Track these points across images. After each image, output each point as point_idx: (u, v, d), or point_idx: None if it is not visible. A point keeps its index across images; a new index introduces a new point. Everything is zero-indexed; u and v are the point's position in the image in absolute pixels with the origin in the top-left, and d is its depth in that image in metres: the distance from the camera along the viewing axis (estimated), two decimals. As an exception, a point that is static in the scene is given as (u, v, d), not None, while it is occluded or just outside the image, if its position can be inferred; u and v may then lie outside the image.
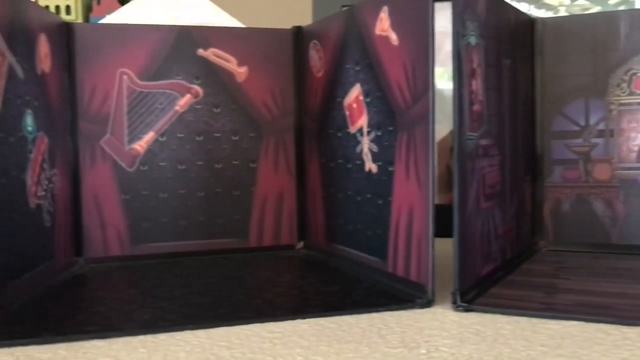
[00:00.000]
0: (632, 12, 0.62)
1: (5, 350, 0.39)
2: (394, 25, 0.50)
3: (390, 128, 0.51)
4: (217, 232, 0.66)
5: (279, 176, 0.68)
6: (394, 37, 0.50)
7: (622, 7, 0.78)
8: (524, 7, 0.81)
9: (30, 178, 0.51)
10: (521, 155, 0.61)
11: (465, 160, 0.47)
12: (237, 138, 0.66)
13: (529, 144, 0.64)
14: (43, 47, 0.55)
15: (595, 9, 0.79)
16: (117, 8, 1.15)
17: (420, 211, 0.47)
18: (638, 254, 0.61)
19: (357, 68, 0.56)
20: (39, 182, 0.54)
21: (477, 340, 0.39)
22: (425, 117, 0.46)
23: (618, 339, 0.39)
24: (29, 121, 0.52)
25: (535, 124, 0.65)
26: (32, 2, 0.55)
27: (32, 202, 0.52)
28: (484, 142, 0.51)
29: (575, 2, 0.80)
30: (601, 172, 0.64)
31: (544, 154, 0.65)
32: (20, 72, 0.50)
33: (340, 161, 0.60)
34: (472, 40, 0.48)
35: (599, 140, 0.63)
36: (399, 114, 0.50)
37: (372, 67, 0.54)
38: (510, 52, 0.57)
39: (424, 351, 0.37)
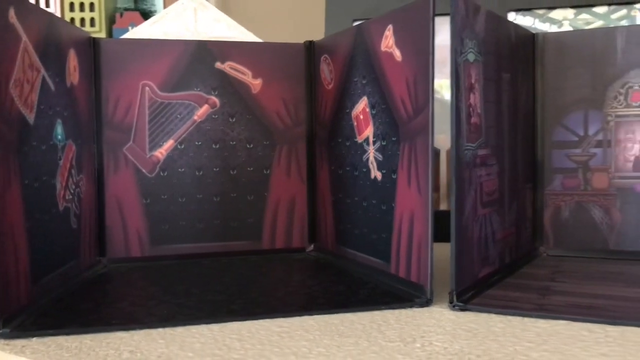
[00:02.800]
0: (629, 28, 0.65)
1: (37, 340, 0.43)
2: (398, 43, 0.53)
3: (394, 138, 0.55)
4: (232, 235, 0.70)
5: (291, 182, 0.71)
6: (397, 54, 0.53)
7: (624, 22, 0.81)
8: (529, 21, 0.84)
9: (59, 183, 0.56)
10: (521, 164, 0.64)
11: (462, 169, 0.50)
12: (251, 146, 0.70)
13: (530, 153, 0.67)
14: (72, 61, 0.60)
15: (598, 23, 0.82)
16: (138, 20, 1.20)
17: (421, 216, 0.51)
18: (633, 260, 0.64)
19: (364, 81, 0.59)
20: (67, 186, 0.58)
21: (469, 336, 0.42)
22: (425, 129, 0.49)
23: (600, 337, 0.42)
24: (59, 130, 0.56)
25: (536, 134, 0.68)
26: (62, 19, 0.59)
27: (61, 205, 0.56)
28: (481, 152, 0.54)
29: (579, 16, 0.83)
30: (599, 181, 0.66)
31: (545, 162, 0.68)
32: (52, 85, 0.54)
33: (348, 168, 0.63)
34: (471, 57, 0.51)
35: (597, 150, 0.66)
36: (402, 125, 0.53)
37: (377, 81, 0.57)
38: (510, 67, 0.60)
39: (418, 345, 0.41)
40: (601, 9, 0.82)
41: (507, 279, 0.57)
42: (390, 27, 0.54)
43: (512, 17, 0.84)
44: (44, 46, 0.53)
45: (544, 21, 0.84)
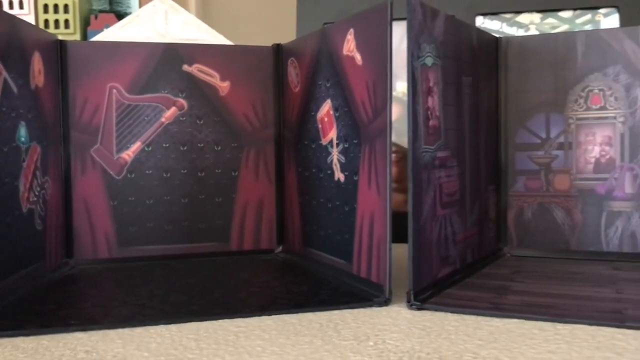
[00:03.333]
0: (588, 33, 0.66)
1: (-5, 340, 0.43)
2: (359, 47, 0.54)
3: (355, 141, 0.55)
4: (200, 237, 0.70)
5: (259, 184, 0.72)
6: (358, 58, 0.54)
7: (588, 26, 0.83)
8: (496, 25, 0.85)
9: (23, 185, 0.56)
10: (484, 166, 0.65)
11: (420, 171, 0.51)
12: (219, 148, 0.71)
13: (494, 155, 0.68)
14: (37, 63, 0.60)
15: (564, 27, 0.83)
16: (113, 22, 1.20)
17: (380, 217, 0.51)
18: (593, 259, 0.65)
19: (328, 84, 0.60)
20: (32, 188, 0.58)
21: (422, 334, 0.43)
22: (384, 132, 0.50)
23: (550, 335, 0.43)
24: (22, 132, 0.56)
25: (500, 136, 0.69)
26: (27, 22, 0.59)
27: (25, 207, 0.56)
28: (441, 154, 0.55)
29: (545, 21, 0.84)
30: (561, 183, 0.67)
31: (508, 164, 0.69)
32: (14, 88, 0.55)
33: (314, 170, 0.64)
34: (429, 60, 0.52)
35: (559, 153, 0.67)
36: (363, 127, 0.54)
37: (340, 84, 0.58)
38: (471, 70, 0.61)
39: (371, 343, 0.41)
40: (566, 14, 0.84)
41: (468, 278, 0.58)
42: (351, 31, 0.55)
43: (479, 21, 0.85)
44: (5, 49, 0.53)
45: (511, 25, 0.85)
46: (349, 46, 0.56)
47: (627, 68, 0.64)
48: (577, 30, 0.78)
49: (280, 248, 0.73)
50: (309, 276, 0.61)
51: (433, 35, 0.53)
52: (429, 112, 0.53)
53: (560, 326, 0.44)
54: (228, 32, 0.94)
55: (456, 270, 0.58)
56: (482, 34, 0.65)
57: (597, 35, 0.66)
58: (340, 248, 0.59)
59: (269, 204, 0.72)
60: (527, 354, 0.39)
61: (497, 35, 0.69)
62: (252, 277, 0.61)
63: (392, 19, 0.49)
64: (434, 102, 0.53)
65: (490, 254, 0.67)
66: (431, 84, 0.53)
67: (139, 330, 0.45)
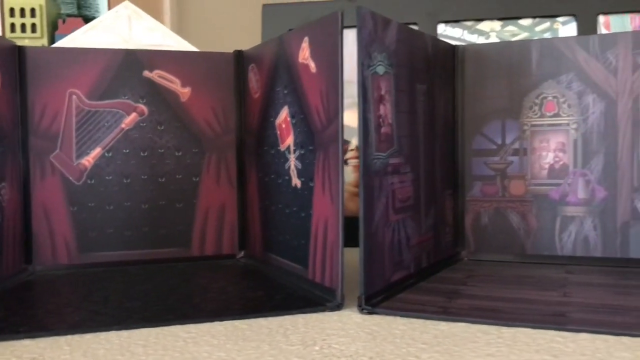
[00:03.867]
0: (543, 42, 0.68)
1: (-58, 348, 0.43)
2: (313, 55, 0.55)
3: (311, 147, 0.56)
4: (161, 242, 0.71)
5: (220, 190, 0.72)
6: (312, 65, 0.55)
7: (547, 34, 0.84)
8: (457, 32, 0.86)
9: (-23, 191, 0.56)
10: (440, 172, 0.66)
11: (371, 177, 0.52)
12: (180, 154, 0.71)
13: (450, 161, 0.69)
14: (-7, 69, 0.60)
15: (523, 34, 0.85)
16: (81, 26, 1.19)
17: (333, 223, 0.52)
18: (548, 263, 0.67)
19: (286, 91, 0.61)
20: (-13, 194, 0.58)
21: (368, 338, 0.44)
22: (336, 139, 0.51)
23: (492, 338, 0.44)
24: (-24, 138, 0.56)
25: (457, 142, 0.70)
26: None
27: (-21, 213, 0.56)
28: (394, 160, 0.56)
29: (505, 28, 0.86)
30: (516, 188, 0.69)
31: (465, 170, 0.70)
32: (-32, 94, 0.54)
33: (273, 176, 0.65)
34: (380, 69, 0.53)
35: (514, 158, 0.69)
36: (317, 134, 0.55)
37: (296, 92, 0.58)
38: (426, 78, 0.63)
39: (317, 348, 0.42)
40: (526, 22, 0.85)
41: (423, 282, 0.59)
42: (306, 39, 0.56)
43: (441, 28, 0.87)
44: (-41, 55, 0.53)
45: (472, 32, 0.86)
46: (304, 54, 0.56)
47: (579, 76, 0.66)
48: (533, 38, 0.80)
49: (242, 253, 0.73)
50: (267, 281, 0.61)
51: (385, 44, 0.54)
52: (381, 120, 0.53)
53: (504, 329, 0.45)
54: (204, 40, 0.94)
55: (410, 275, 0.59)
56: (438, 42, 0.66)
57: (551, 44, 0.67)
58: (297, 253, 0.59)
59: (230, 209, 0.73)
60: (466, 357, 0.40)
61: (455, 43, 0.71)
62: (210, 282, 0.61)
63: (343, 28, 0.50)
64: (386, 109, 0.54)
65: (447, 258, 0.68)
66: (383, 92, 0.54)
67: (88, 336, 0.45)
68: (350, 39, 0.53)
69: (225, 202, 0.73)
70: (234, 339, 0.44)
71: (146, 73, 0.69)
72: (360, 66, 0.50)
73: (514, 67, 0.68)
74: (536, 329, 0.45)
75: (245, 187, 0.73)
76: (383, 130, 0.54)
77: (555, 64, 0.67)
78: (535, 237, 0.68)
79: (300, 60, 0.57)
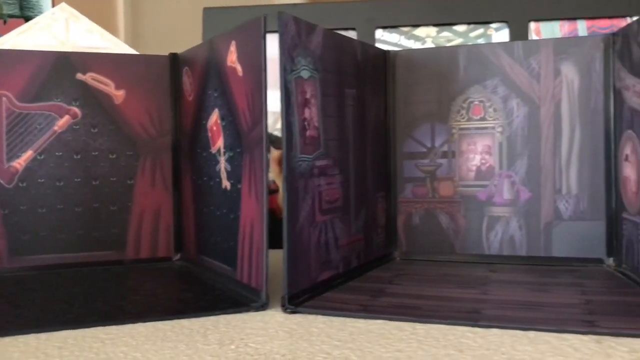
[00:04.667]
0: (469, 48, 0.70)
1: None
2: (239, 59, 0.56)
3: (239, 150, 0.57)
4: (95, 245, 0.70)
5: (155, 192, 0.73)
6: (239, 69, 0.56)
7: (481, 40, 0.87)
8: (395, 38, 0.88)
9: None
10: (371, 174, 0.68)
11: (295, 179, 0.53)
12: (114, 156, 0.71)
13: (382, 163, 0.71)
14: None
15: (458, 40, 0.88)
16: (23, 27, 1.17)
17: (258, 224, 0.53)
18: (476, 262, 0.69)
19: (216, 94, 0.62)
20: None
21: (285, 337, 0.45)
22: (261, 141, 0.52)
23: (406, 334, 0.45)
24: None
25: (389, 145, 0.72)
26: None
27: None
28: (320, 163, 0.57)
29: (441, 34, 0.88)
30: (445, 189, 0.71)
31: (397, 172, 0.72)
32: None
33: (205, 178, 0.65)
34: (305, 74, 0.54)
35: (443, 161, 0.71)
36: (244, 137, 0.56)
37: (225, 94, 0.59)
38: (355, 83, 0.64)
39: (233, 347, 0.43)
40: (461, 28, 0.88)
41: (351, 282, 0.61)
42: (233, 42, 0.57)
43: (379, 33, 0.88)
44: None
45: (408, 38, 0.88)
46: (232, 57, 0.57)
47: (504, 81, 0.68)
48: (467, 44, 0.83)
49: (179, 256, 0.74)
50: (197, 283, 0.62)
51: (310, 49, 0.55)
52: (306, 123, 0.55)
53: (419, 326, 0.47)
54: (158, 43, 0.94)
55: (339, 274, 0.60)
56: (368, 47, 0.68)
57: (477, 50, 0.69)
58: (227, 255, 0.60)
59: (166, 211, 0.73)
60: (376, 353, 0.41)
61: (392, 49, 0.72)
62: (141, 285, 0.62)
63: (266, 33, 0.51)
64: (311, 113, 0.55)
65: (379, 258, 0.70)
66: (308, 96, 0.55)
67: (7, 339, 0.45)
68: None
69: (161, 205, 0.73)
70: (153, 340, 0.44)
71: (79, 75, 0.69)
72: (283, 70, 0.51)
73: (442, 73, 0.70)
74: (449, 326, 0.47)
75: (180, 189, 0.73)
76: (308, 133, 0.55)
77: (481, 70, 0.69)
78: (464, 236, 0.70)
79: (229, 63, 0.58)
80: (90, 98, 0.70)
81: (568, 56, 0.66)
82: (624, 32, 0.61)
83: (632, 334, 0.43)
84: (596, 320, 0.46)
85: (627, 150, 0.60)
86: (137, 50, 0.82)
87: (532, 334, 0.45)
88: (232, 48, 0.57)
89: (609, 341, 0.43)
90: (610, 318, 0.47)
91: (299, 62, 0.54)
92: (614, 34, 0.64)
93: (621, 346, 0.42)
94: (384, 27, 0.89)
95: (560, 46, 0.66)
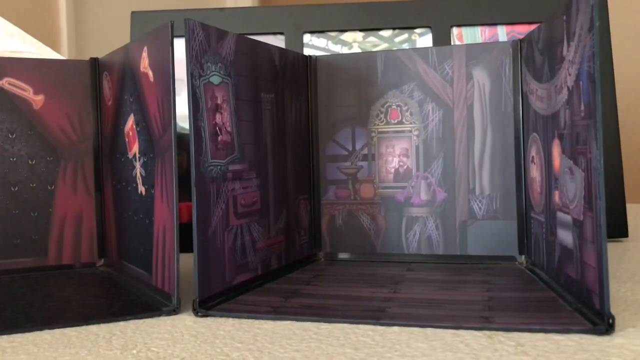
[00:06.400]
0: (387, 53, 0.72)
1: None
2: (151, 64, 0.56)
3: (151, 155, 0.57)
4: (15, 252, 0.70)
5: (77, 198, 0.72)
6: (150, 74, 0.56)
7: (405, 45, 0.89)
8: (322, 42, 0.90)
9: None
10: (293, 177, 0.69)
11: (205, 184, 0.53)
12: (34, 162, 0.70)
13: (305, 166, 0.72)
14: None
15: (383, 45, 0.90)
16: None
17: (169, 229, 0.54)
18: (395, 262, 0.71)
19: (131, 99, 0.62)
20: None
21: (190, 340, 0.45)
22: (170, 147, 0.52)
23: (309, 334, 0.46)
24: None
25: (312, 149, 0.73)
26: None
27: None
28: (234, 167, 0.58)
29: (367, 39, 0.90)
30: (366, 191, 0.73)
31: (320, 175, 0.74)
32: None
33: (123, 183, 0.65)
34: (215, 79, 0.55)
35: (364, 164, 0.73)
36: (156, 142, 0.56)
37: (139, 100, 0.59)
38: (273, 87, 0.65)
39: (134, 352, 0.43)
40: (386, 33, 0.90)
41: (270, 284, 0.62)
42: (145, 48, 0.57)
43: (307, 38, 0.90)
44: None
45: (336, 43, 0.90)
46: (144, 63, 0.57)
47: (419, 86, 0.71)
48: (392, 49, 0.84)
49: (102, 261, 0.73)
50: (115, 289, 0.62)
51: (220, 55, 0.56)
52: (218, 128, 0.55)
53: (323, 326, 0.48)
54: (101, 43, 0.93)
55: (257, 277, 0.61)
56: (287, 52, 0.69)
57: (394, 55, 0.71)
58: (144, 260, 0.60)
59: (88, 217, 0.73)
60: (274, 354, 0.42)
61: (319, 53, 0.74)
62: (57, 291, 0.61)
63: (174, 38, 0.52)
64: (223, 118, 0.56)
65: (303, 259, 0.71)
66: (219, 101, 0.56)
67: None
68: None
69: (83, 210, 0.72)
70: (56, 347, 0.44)
71: (-5, 80, 0.68)
72: (190, 76, 0.52)
73: (361, 77, 0.72)
74: (353, 324, 0.48)
75: (102, 194, 0.73)
76: (220, 138, 0.56)
77: (398, 75, 0.71)
78: (384, 236, 0.72)
79: (142, 69, 0.58)
80: (7, 103, 0.69)
81: (478, 61, 0.69)
82: (529, 38, 0.64)
83: (521, 329, 0.45)
84: (492, 316, 0.48)
85: (533, 152, 0.63)
86: (79, 53, 0.81)
87: (429, 331, 0.46)
88: (144, 54, 0.57)
89: (500, 336, 0.45)
90: (505, 314, 0.49)
91: (209, 68, 0.54)
92: (521, 40, 0.67)
93: (509, 340, 0.44)
94: (312, 32, 0.90)
95: (472, 52, 0.69)
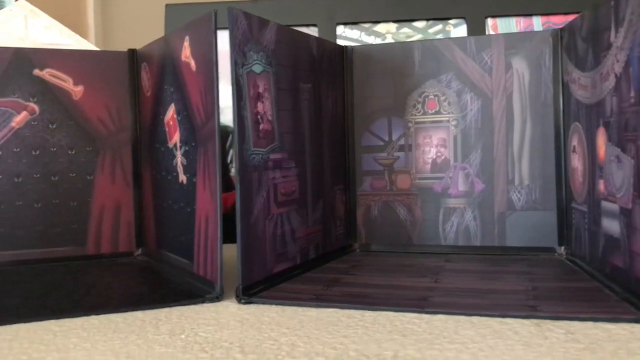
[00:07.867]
0: (424, 43, 0.71)
1: None
2: (193, 54, 0.57)
3: (193, 144, 0.58)
4: (55, 241, 0.70)
5: (116, 188, 0.73)
6: (193, 64, 0.57)
7: (439, 35, 0.88)
8: (356, 34, 0.90)
9: None
10: (329, 168, 0.69)
11: (248, 172, 0.54)
12: (73, 152, 0.71)
13: (341, 157, 0.72)
14: None
15: (418, 36, 0.89)
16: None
17: (212, 217, 0.54)
18: (432, 253, 0.70)
19: (172, 89, 0.62)
20: None
21: (236, 326, 0.46)
22: (213, 135, 0.53)
23: (354, 321, 0.46)
24: None
25: (347, 139, 0.73)
26: None
27: None
28: (275, 156, 0.58)
29: (401, 30, 0.90)
30: (403, 182, 0.72)
31: (356, 166, 0.73)
32: None
33: (163, 173, 0.66)
34: (257, 68, 0.55)
35: (400, 154, 0.72)
36: (198, 131, 0.56)
37: (180, 89, 0.60)
38: (310, 78, 0.65)
39: (183, 336, 0.44)
40: (420, 24, 0.89)
41: (309, 273, 0.62)
42: (187, 37, 0.57)
43: (340, 30, 0.90)
44: None
45: (369, 34, 0.90)
46: (186, 52, 0.58)
47: (457, 75, 0.70)
48: (414, 40, 0.84)
49: (140, 251, 0.74)
50: (155, 277, 0.62)
51: (262, 44, 0.56)
52: (259, 117, 0.55)
53: (368, 313, 0.48)
54: (128, 43, 0.94)
55: (296, 266, 0.61)
56: (324, 43, 0.69)
57: (431, 45, 0.71)
58: (184, 248, 0.60)
59: (126, 207, 0.73)
60: (322, 339, 0.42)
61: (353, 44, 0.73)
62: (98, 280, 0.62)
63: (217, 28, 0.52)
64: (265, 107, 0.56)
65: (338, 250, 0.71)
66: (261, 90, 0.56)
67: (-42, 334, 0.45)
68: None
69: (121, 200, 0.73)
70: (105, 331, 0.45)
71: (37, 72, 0.69)
72: (234, 65, 0.52)
73: (397, 68, 0.72)
74: (397, 312, 0.48)
75: (141, 184, 0.73)
76: (262, 127, 0.56)
77: (435, 64, 0.71)
78: (421, 228, 0.72)
79: (183, 58, 0.58)
80: (48, 94, 0.70)
81: (517, 51, 0.68)
82: (570, 27, 0.63)
83: (569, 317, 0.45)
84: (538, 305, 0.48)
85: (574, 141, 0.62)
86: (106, 47, 0.81)
87: (475, 319, 0.46)
88: (186, 43, 0.58)
89: (548, 324, 0.44)
90: (552, 303, 0.49)
91: (251, 56, 0.54)
92: (561, 29, 0.66)
93: (558, 328, 0.43)
94: (345, 24, 0.90)
95: (510, 41, 0.68)
